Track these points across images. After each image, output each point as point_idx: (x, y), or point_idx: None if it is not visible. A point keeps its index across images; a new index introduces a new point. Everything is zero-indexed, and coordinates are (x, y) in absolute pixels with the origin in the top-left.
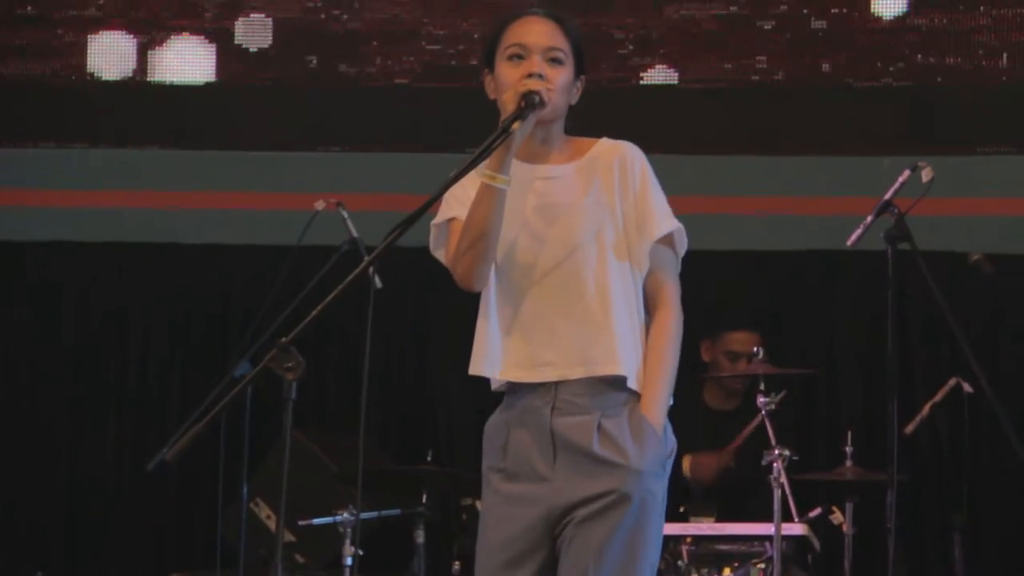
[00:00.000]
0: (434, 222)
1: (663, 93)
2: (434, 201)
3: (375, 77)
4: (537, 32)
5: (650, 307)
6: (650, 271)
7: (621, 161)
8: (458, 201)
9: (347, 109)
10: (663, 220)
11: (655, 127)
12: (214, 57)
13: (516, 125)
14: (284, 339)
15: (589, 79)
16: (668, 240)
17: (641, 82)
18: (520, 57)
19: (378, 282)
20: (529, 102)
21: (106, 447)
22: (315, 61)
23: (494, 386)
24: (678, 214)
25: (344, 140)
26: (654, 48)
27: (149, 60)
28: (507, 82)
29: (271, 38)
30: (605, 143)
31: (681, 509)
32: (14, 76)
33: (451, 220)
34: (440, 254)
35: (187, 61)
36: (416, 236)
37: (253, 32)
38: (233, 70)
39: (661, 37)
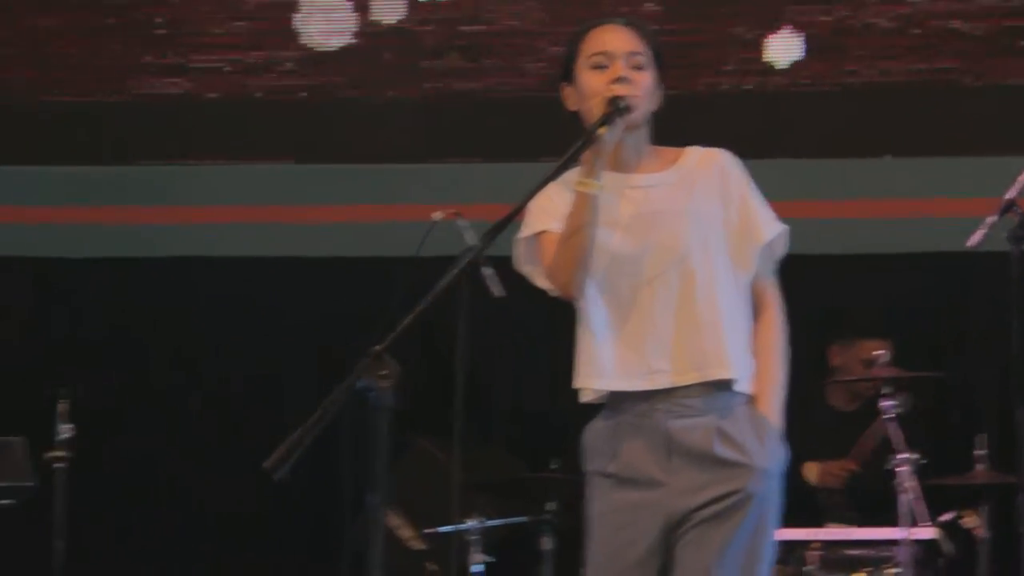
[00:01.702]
0: (520, 236)
1: (783, 96)
2: (519, 211)
3: (494, 88)
4: (619, 38)
5: (755, 309)
6: (755, 274)
7: (720, 168)
8: (545, 213)
9: (464, 120)
10: (768, 223)
11: (774, 130)
12: None
13: (603, 130)
14: (377, 347)
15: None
16: (770, 243)
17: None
18: (603, 65)
19: (498, 289)
20: (616, 107)
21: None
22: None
23: (589, 398)
24: (803, 218)
25: (461, 151)
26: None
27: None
28: (592, 90)
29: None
30: (697, 151)
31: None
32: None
33: (540, 233)
34: (528, 269)
35: None
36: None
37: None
38: None
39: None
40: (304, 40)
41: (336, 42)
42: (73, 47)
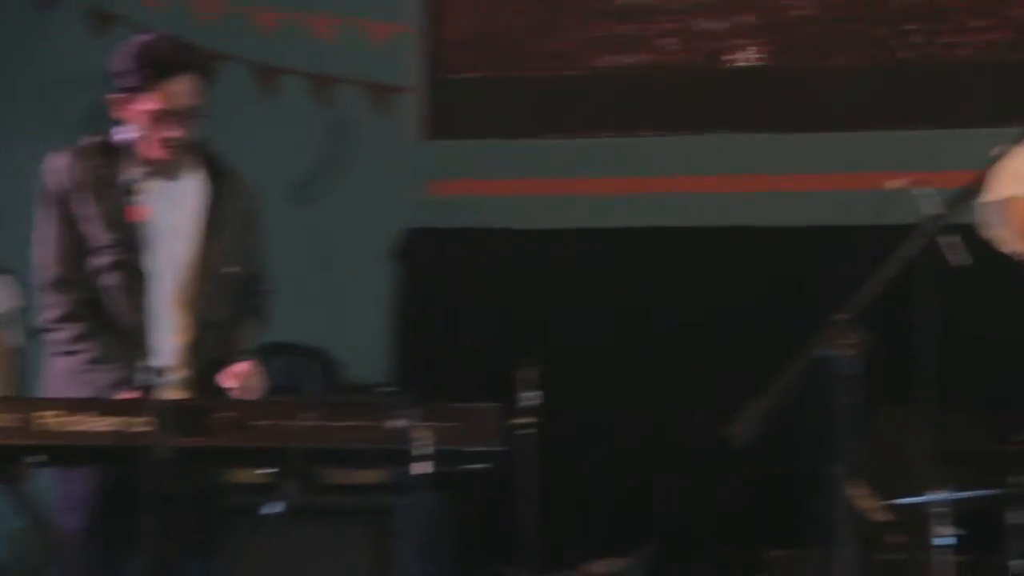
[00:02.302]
0: (984, 199)
1: None
2: (986, 178)
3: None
4: None
5: None
6: None
7: None
8: (1015, 177)
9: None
10: None
11: None
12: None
13: None
14: (842, 316)
15: None
16: None
17: None
18: None
19: (960, 258)
20: None
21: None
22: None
23: None
24: None
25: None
26: None
27: None
28: None
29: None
30: None
31: None
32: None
33: (1009, 199)
34: (995, 233)
35: None
36: None
37: None
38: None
39: None
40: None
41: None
42: None
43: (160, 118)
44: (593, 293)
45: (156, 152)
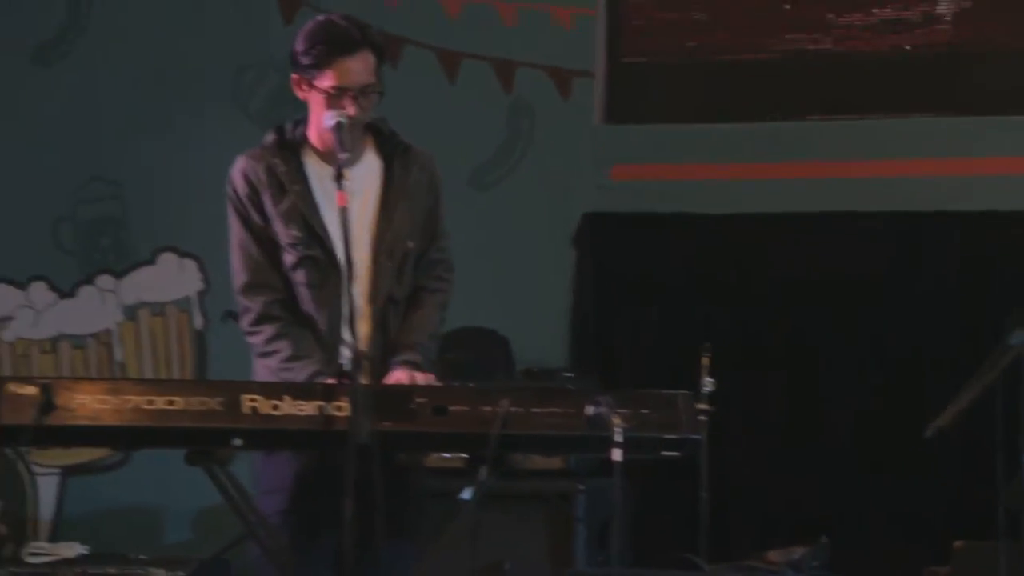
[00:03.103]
0: None
1: None
2: None
3: None
4: None
5: None
6: None
7: None
8: None
9: None
10: None
11: None
12: None
13: None
14: None
15: None
16: None
17: None
18: None
19: None
20: None
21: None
22: None
23: None
24: None
25: None
26: None
27: None
28: None
29: None
30: None
31: None
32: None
33: None
34: None
35: None
36: None
37: None
38: None
39: None
40: None
41: None
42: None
43: (336, 95)
44: (777, 279)
45: (329, 139)
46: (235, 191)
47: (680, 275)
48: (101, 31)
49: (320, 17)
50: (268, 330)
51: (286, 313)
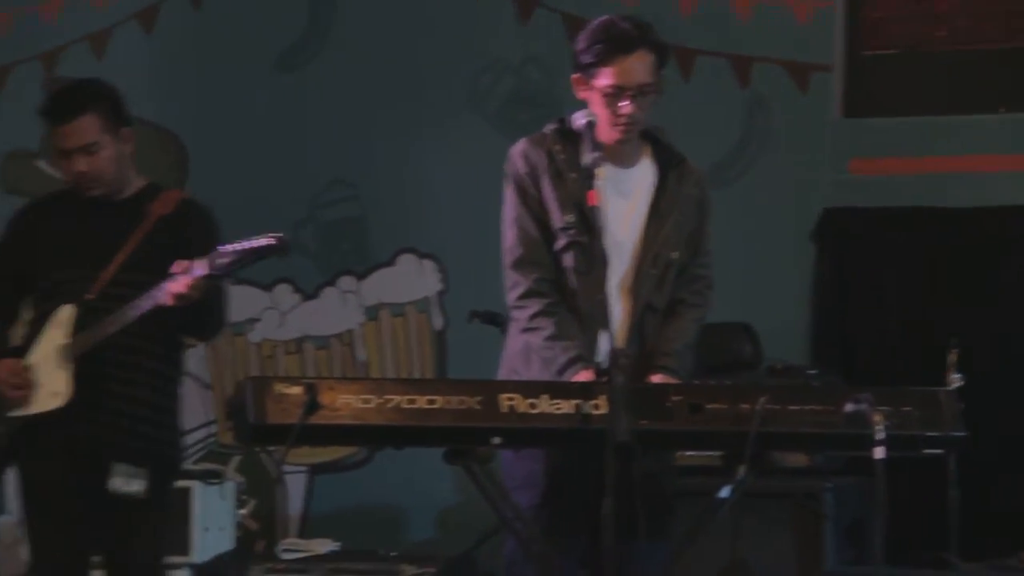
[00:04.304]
0: None
1: None
2: None
3: None
4: None
5: None
6: None
7: None
8: None
9: None
10: None
11: None
12: None
13: None
14: None
15: None
16: None
17: None
18: None
19: None
20: None
21: None
22: None
23: None
24: None
25: None
26: None
27: None
28: None
29: None
30: None
31: None
32: None
33: None
34: None
35: None
36: None
37: None
38: None
39: None
40: None
41: None
42: None
43: (614, 94)
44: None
45: (610, 134)
46: (516, 169)
47: (922, 270)
48: (341, 37)
49: (604, 17)
50: (534, 306)
51: (553, 292)
